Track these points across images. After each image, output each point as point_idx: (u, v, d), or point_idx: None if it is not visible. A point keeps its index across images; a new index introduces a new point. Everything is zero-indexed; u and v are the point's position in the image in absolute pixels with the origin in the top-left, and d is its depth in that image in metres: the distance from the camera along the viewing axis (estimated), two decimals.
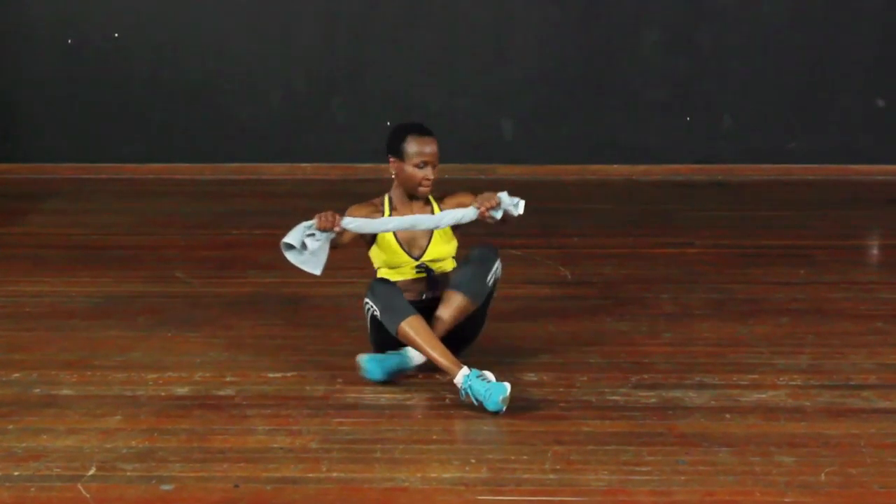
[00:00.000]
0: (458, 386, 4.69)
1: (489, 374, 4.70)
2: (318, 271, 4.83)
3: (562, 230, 7.11)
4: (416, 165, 4.99)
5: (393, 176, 5.07)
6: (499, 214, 4.81)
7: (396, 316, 4.85)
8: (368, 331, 5.09)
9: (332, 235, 4.80)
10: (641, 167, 9.02)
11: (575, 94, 9.08)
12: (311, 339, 5.50)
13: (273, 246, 6.98)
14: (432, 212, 5.09)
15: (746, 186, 8.76)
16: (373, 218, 4.96)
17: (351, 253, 6.78)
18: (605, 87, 9.08)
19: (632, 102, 9.07)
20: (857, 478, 4.12)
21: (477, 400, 4.63)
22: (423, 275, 5.10)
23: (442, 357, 4.78)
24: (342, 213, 4.96)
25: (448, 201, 5.14)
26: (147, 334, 5.59)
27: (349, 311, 5.79)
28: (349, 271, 6.10)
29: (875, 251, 7.35)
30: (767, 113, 9.02)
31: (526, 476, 4.15)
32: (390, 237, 5.05)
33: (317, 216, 4.77)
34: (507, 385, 4.62)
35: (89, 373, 5.10)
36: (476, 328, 5.12)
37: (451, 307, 4.94)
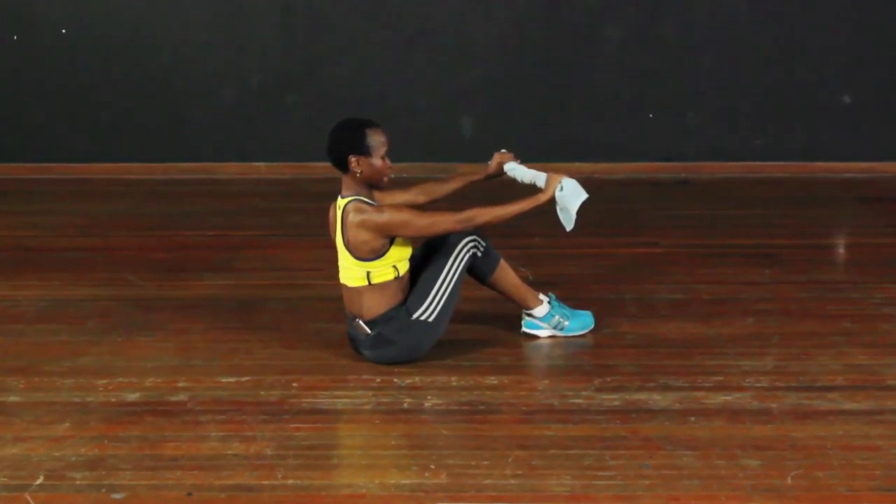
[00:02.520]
0: (543, 313, 5.37)
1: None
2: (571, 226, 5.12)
3: (523, 230, 7.05)
4: (382, 157, 5.05)
5: (358, 174, 5.03)
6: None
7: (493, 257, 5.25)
8: (435, 299, 5.15)
9: None
10: (604, 165, 9.03)
11: (536, 91, 9.07)
12: (266, 342, 5.45)
13: (227, 247, 7.13)
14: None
15: (712, 184, 8.76)
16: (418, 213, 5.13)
17: (308, 254, 6.72)
18: (568, 83, 9.08)
19: (594, 99, 9.08)
20: (823, 480, 4.09)
21: (562, 323, 5.35)
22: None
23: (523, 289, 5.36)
24: (327, 214, 5.21)
25: (385, 198, 5.29)
26: (97, 339, 5.53)
27: (305, 313, 5.76)
28: (305, 273, 6.10)
29: (842, 250, 7.35)
30: (733, 110, 9.06)
31: (487, 482, 4.11)
32: None
33: (565, 176, 5.17)
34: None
35: (37, 379, 5.04)
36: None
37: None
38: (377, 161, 5.02)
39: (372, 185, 5.10)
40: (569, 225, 5.11)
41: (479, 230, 5.16)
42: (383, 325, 5.07)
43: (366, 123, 5.07)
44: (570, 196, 5.02)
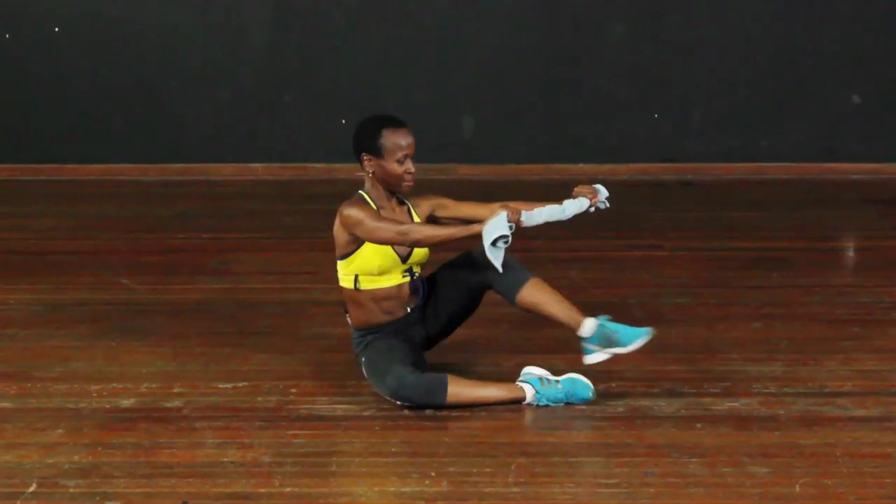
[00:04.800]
0: (535, 405, 4.70)
1: (544, 372, 4.76)
2: (500, 267, 4.67)
3: (525, 232, 7.00)
4: (398, 161, 4.79)
5: (370, 175, 4.84)
6: (603, 206, 4.94)
7: (437, 392, 4.67)
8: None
9: (514, 229, 4.67)
10: (607, 166, 9.04)
11: (538, 91, 9.08)
12: (262, 347, 5.40)
13: (221, 250, 7.09)
14: (409, 211, 4.93)
15: (717, 186, 8.78)
16: (377, 216, 4.79)
17: (304, 257, 6.67)
18: (570, 82, 9.08)
19: (597, 99, 9.09)
20: (832, 489, 4.05)
21: (562, 402, 4.70)
22: (408, 278, 4.90)
23: (501, 392, 4.73)
24: (323, 216, 4.92)
25: (420, 203, 4.97)
26: (90, 344, 5.49)
27: (302, 317, 5.73)
28: (301, 276, 6.07)
29: (851, 253, 7.36)
30: (738, 110, 9.08)
31: (489, 490, 4.05)
32: None
33: (507, 210, 4.62)
34: (582, 378, 4.72)
35: (29, 384, 4.98)
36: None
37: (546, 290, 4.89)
38: (391, 164, 4.77)
39: (389, 189, 4.86)
40: (495, 262, 4.66)
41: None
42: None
43: (386, 122, 4.84)
44: (486, 231, 4.66)
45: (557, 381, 4.70)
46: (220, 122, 9.11)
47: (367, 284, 4.87)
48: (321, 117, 9.07)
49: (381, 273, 4.85)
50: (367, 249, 4.81)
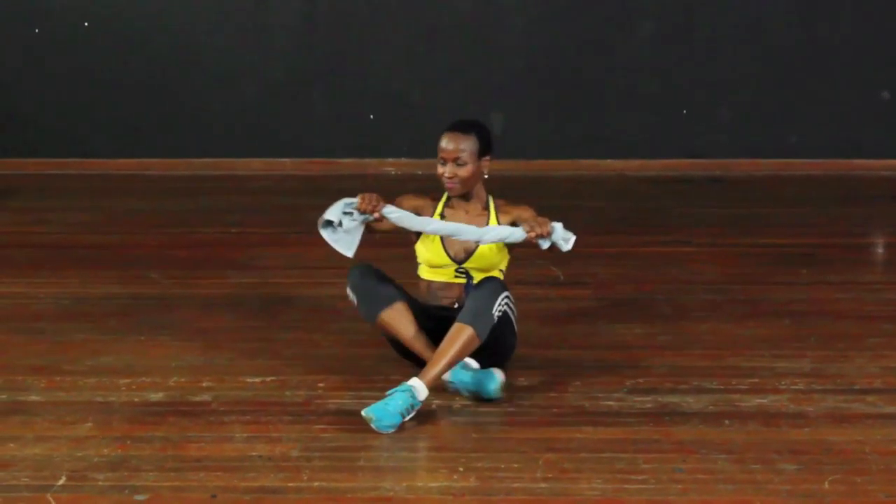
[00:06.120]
0: (449, 381, 4.70)
1: (473, 363, 4.72)
2: (349, 252, 4.71)
3: None
4: (439, 162, 4.91)
5: None
6: (546, 244, 4.71)
7: (375, 305, 4.78)
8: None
9: (370, 219, 4.71)
10: (635, 162, 9.03)
11: (566, 87, 9.07)
12: (290, 342, 5.41)
13: (250, 245, 7.14)
14: (488, 217, 4.96)
15: (744, 182, 8.75)
16: (420, 212, 4.88)
17: (331, 252, 6.66)
18: (598, 79, 9.08)
19: (625, 95, 9.08)
20: (862, 486, 4.03)
21: (468, 391, 4.68)
22: (463, 280, 4.93)
23: (422, 349, 4.77)
24: (391, 201, 4.85)
25: (508, 211, 4.99)
26: (119, 337, 5.49)
27: (330, 312, 5.71)
28: (329, 271, 6.08)
29: (880, 250, 7.34)
30: (766, 106, 9.05)
31: (516, 485, 4.05)
32: (435, 235, 4.91)
33: (360, 196, 4.68)
34: (498, 373, 4.66)
35: (58, 378, 4.99)
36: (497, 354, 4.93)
37: (454, 340, 4.67)
38: (438, 165, 4.91)
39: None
40: (333, 245, 4.73)
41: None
42: None
43: (449, 125, 4.96)
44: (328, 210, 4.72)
45: (476, 370, 4.69)
46: (249, 117, 9.12)
47: (421, 272, 5.01)
48: (349, 112, 9.08)
49: (431, 266, 4.95)
50: (419, 241, 4.94)
